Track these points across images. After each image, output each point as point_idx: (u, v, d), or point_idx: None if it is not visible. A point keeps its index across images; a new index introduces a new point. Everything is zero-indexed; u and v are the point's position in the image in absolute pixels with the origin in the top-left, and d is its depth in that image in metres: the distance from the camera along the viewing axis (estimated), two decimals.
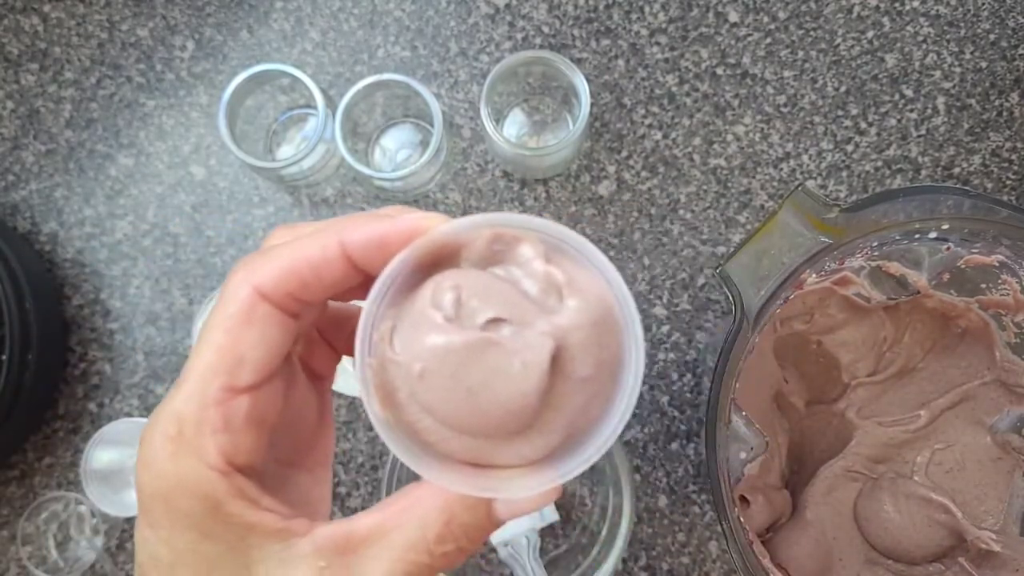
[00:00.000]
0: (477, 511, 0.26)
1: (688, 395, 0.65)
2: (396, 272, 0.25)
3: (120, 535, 0.65)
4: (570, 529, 0.64)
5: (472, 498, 0.25)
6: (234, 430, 0.25)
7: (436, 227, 0.25)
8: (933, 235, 0.48)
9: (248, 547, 0.25)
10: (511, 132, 0.67)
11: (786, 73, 0.66)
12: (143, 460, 0.25)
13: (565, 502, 0.65)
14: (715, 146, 0.66)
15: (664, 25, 0.67)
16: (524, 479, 0.25)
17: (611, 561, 0.58)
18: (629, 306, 0.26)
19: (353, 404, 0.66)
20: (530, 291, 0.26)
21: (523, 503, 0.26)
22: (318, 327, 0.31)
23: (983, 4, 0.67)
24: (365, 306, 0.25)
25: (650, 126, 0.66)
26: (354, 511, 0.65)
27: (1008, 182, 0.66)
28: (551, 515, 0.63)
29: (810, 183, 0.66)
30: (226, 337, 0.25)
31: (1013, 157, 0.66)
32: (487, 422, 0.25)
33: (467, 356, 0.24)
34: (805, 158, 0.66)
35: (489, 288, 0.25)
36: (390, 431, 0.25)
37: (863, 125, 0.66)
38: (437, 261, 0.26)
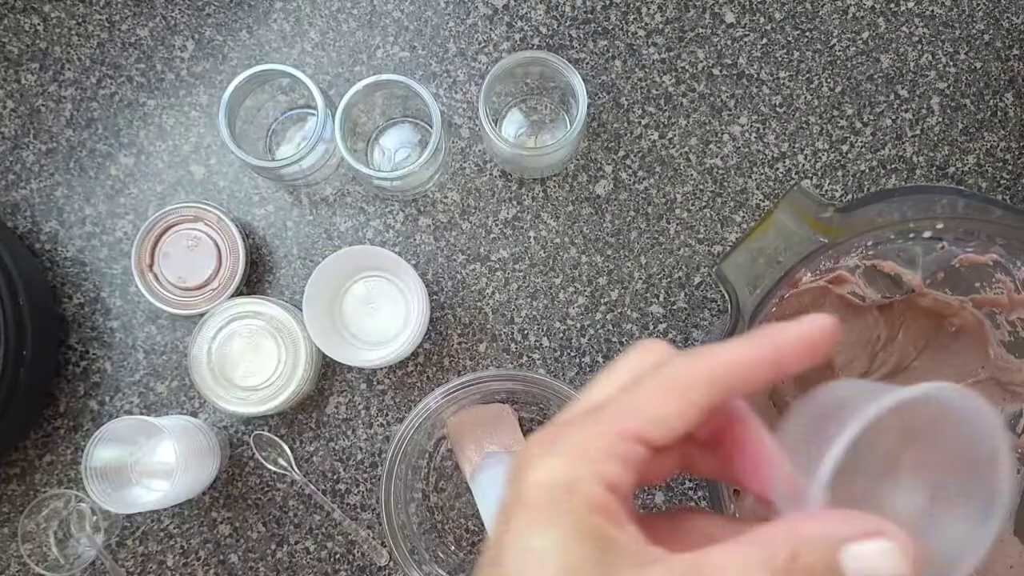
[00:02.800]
0: (824, 554, 0.26)
1: None
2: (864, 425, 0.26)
3: (120, 532, 0.65)
4: None
5: (822, 540, 0.26)
6: (628, 467, 0.26)
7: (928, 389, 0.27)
8: (928, 234, 0.48)
9: (609, 561, 0.26)
10: (509, 132, 0.67)
11: (782, 73, 0.67)
12: (545, 453, 0.26)
13: None
14: (711, 146, 0.66)
15: (661, 26, 0.67)
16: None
17: None
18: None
19: (352, 402, 0.66)
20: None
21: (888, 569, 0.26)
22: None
23: (978, 5, 0.67)
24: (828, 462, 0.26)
25: (647, 126, 0.67)
26: (353, 507, 0.65)
27: (1002, 181, 0.67)
28: None
29: (806, 183, 0.66)
30: (657, 395, 0.27)
31: (1007, 157, 0.67)
32: None
33: None
34: (801, 158, 0.66)
35: None
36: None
37: (858, 125, 0.67)
38: None
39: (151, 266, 0.63)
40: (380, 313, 0.65)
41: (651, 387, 0.27)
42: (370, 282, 0.65)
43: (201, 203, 0.64)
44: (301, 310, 0.65)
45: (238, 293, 0.65)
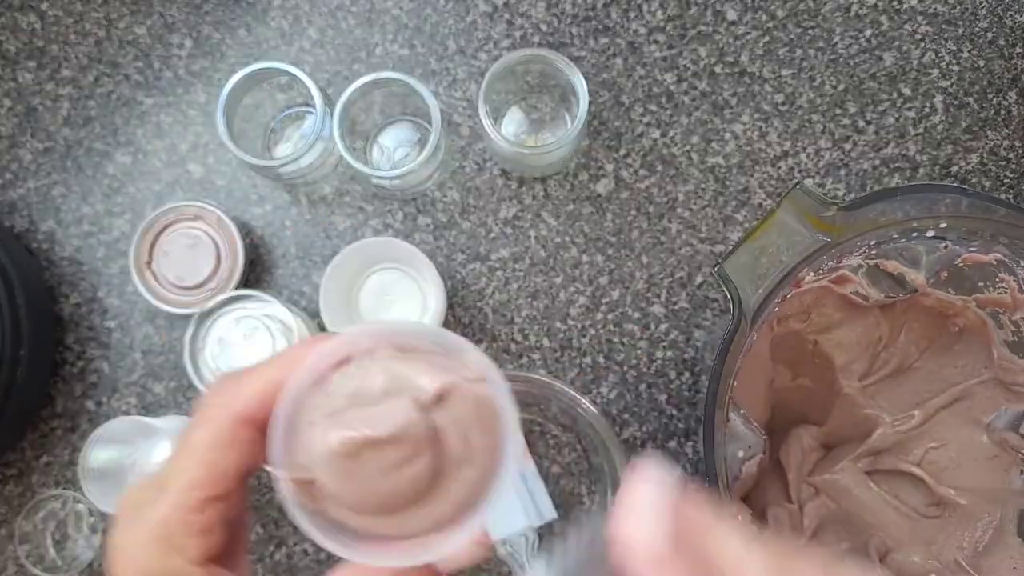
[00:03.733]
0: None
1: (686, 393, 0.66)
2: (301, 380, 0.29)
3: None
4: (569, 528, 0.64)
5: (412, 571, 0.30)
6: (213, 531, 0.29)
7: (332, 341, 0.30)
8: (931, 233, 0.48)
9: None
10: (509, 130, 0.67)
11: (784, 71, 0.66)
12: (126, 558, 0.29)
13: (563, 501, 0.65)
14: (713, 144, 0.66)
15: (662, 23, 0.67)
16: (445, 538, 0.29)
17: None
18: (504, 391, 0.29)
19: None
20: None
21: (456, 556, 0.30)
22: None
23: (981, 3, 0.67)
24: (273, 416, 0.29)
25: (648, 124, 0.66)
26: None
27: (1006, 180, 0.66)
28: (549, 514, 0.64)
29: (808, 181, 0.66)
30: (210, 456, 0.29)
31: (1011, 155, 0.66)
32: (392, 502, 0.29)
33: (352, 459, 0.28)
34: (803, 156, 0.66)
35: (364, 385, 0.29)
36: (312, 524, 0.29)
37: (861, 123, 0.66)
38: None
39: (149, 263, 0.63)
40: (396, 305, 0.65)
41: (200, 452, 0.29)
42: (385, 274, 0.65)
43: (201, 202, 0.63)
44: (303, 309, 0.65)
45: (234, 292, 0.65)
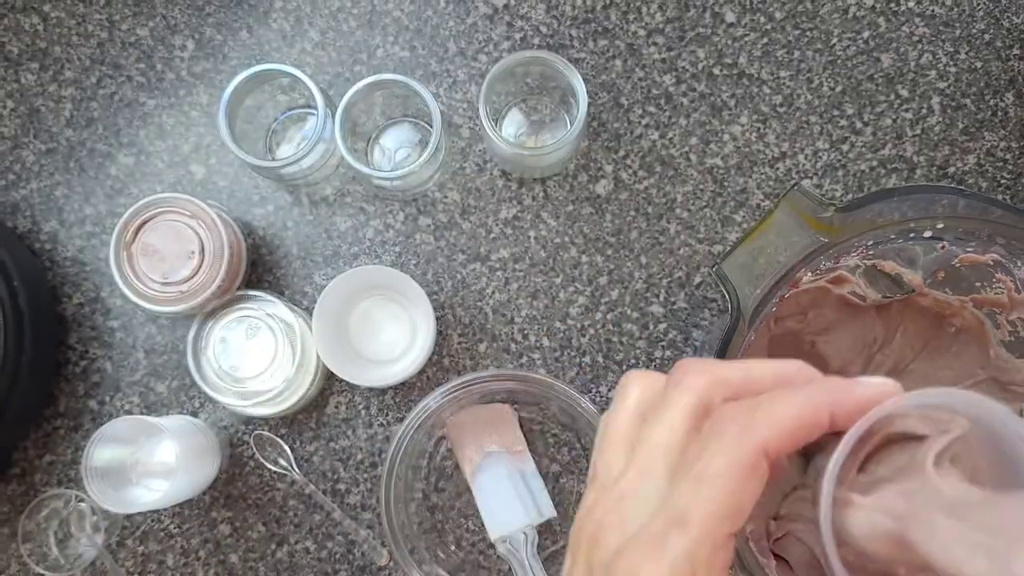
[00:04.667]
0: None
1: None
2: (855, 439, 0.27)
3: (120, 532, 0.65)
4: (567, 526, 0.65)
5: None
6: (726, 569, 0.27)
7: (897, 401, 0.27)
8: (928, 234, 0.48)
9: None
10: (509, 132, 0.67)
11: (782, 73, 0.67)
12: None
13: (562, 499, 0.65)
14: (712, 145, 0.66)
15: (661, 25, 0.67)
16: None
17: None
18: None
19: (352, 402, 0.66)
20: None
21: None
22: None
23: (978, 4, 0.67)
24: (830, 466, 0.27)
25: (647, 126, 0.67)
26: (353, 507, 0.65)
27: (1003, 181, 0.67)
28: (549, 512, 0.64)
29: (806, 182, 0.66)
30: (733, 486, 0.27)
31: (1007, 156, 0.66)
32: None
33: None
34: (801, 157, 0.66)
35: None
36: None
37: (859, 125, 0.67)
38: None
39: (130, 244, 0.60)
40: (385, 333, 0.65)
41: (725, 482, 0.27)
42: (374, 301, 0.65)
43: (187, 197, 0.61)
44: (305, 309, 0.65)
45: (237, 293, 0.65)
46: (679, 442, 0.29)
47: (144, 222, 0.60)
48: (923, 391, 0.27)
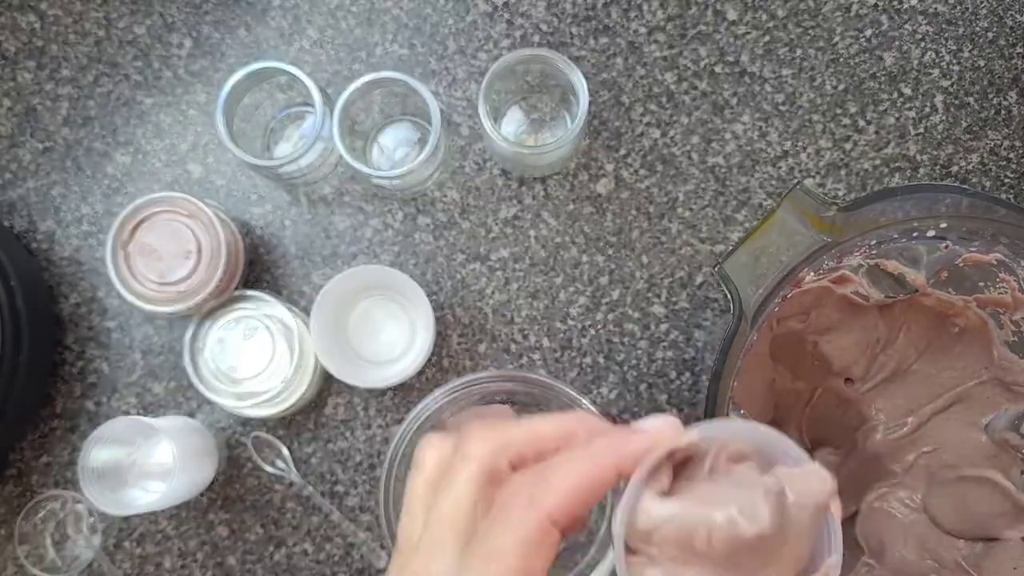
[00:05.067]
0: None
1: (686, 393, 0.65)
2: (641, 481, 0.30)
3: (117, 534, 0.65)
4: None
5: None
6: None
7: (677, 440, 0.30)
8: (931, 233, 0.48)
9: None
10: (509, 130, 0.67)
11: (784, 71, 0.66)
12: None
13: None
14: (713, 144, 0.66)
15: (662, 23, 0.66)
16: None
17: (609, 559, 0.58)
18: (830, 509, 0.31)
19: (350, 403, 0.66)
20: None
21: None
22: None
23: (981, 2, 0.67)
24: (623, 502, 0.30)
25: (648, 124, 0.66)
26: (352, 509, 0.65)
27: (1006, 180, 0.66)
28: None
29: (808, 181, 0.66)
30: (523, 562, 0.28)
31: (1011, 155, 0.66)
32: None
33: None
34: (803, 156, 0.66)
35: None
36: None
37: (861, 123, 0.66)
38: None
39: (127, 243, 0.59)
40: (385, 333, 0.65)
41: (512, 560, 0.28)
42: (374, 302, 0.65)
43: (184, 196, 0.60)
44: (303, 309, 0.65)
45: (234, 293, 0.65)
46: (466, 515, 0.29)
47: (141, 221, 0.59)
48: (693, 428, 0.31)
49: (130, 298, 0.59)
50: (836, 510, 0.31)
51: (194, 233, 0.60)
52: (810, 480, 0.31)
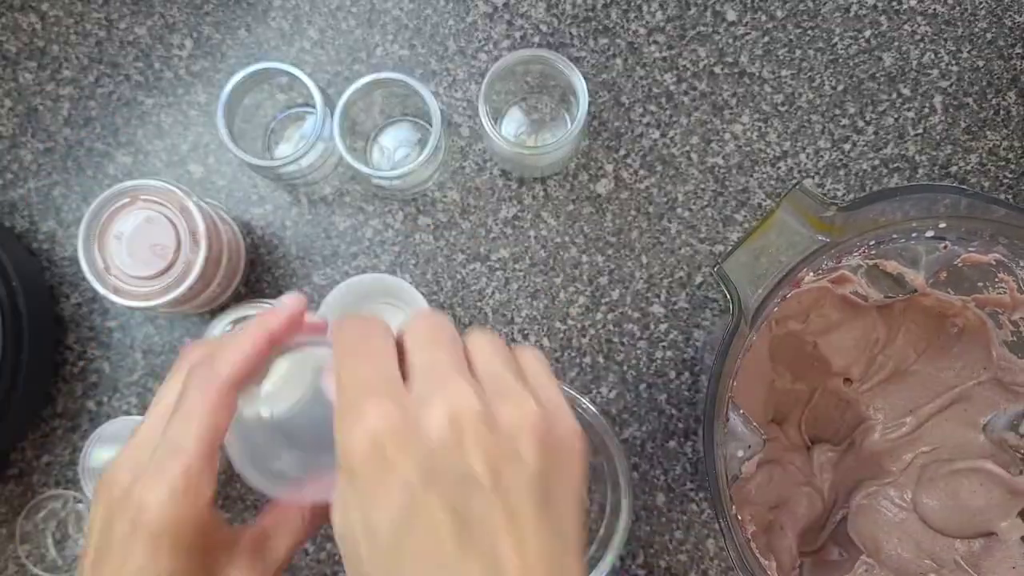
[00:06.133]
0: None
1: (686, 393, 0.66)
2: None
3: None
4: None
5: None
6: (215, 481, 0.36)
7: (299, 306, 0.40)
8: (930, 234, 0.48)
9: (215, 560, 0.37)
10: (509, 130, 0.67)
11: (784, 72, 0.66)
12: (152, 503, 0.34)
13: None
14: (713, 145, 0.66)
15: (662, 24, 0.67)
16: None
17: (609, 559, 0.58)
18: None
19: None
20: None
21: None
22: None
23: (980, 3, 0.67)
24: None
25: (648, 125, 0.66)
26: None
27: (1005, 181, 0.66)
28: None
29: (808, 182, 0.66)
30: (213, 417, 0.36)
31: (1010, 156, 0.66)
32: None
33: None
34: (803, 157, 0.66)
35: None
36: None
37: (860, 124, 0.66)
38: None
39: (101, 234, 0.57)
40: None
41: (207, 416, 0.36)
42: (375, 308, 0.65)
43: (156, 183, 0.58)
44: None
45: (237, 293, 0.65)
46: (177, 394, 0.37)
47: (114, 211, 0.57)
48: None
49: (103, 291, 0.56)
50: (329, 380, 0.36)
51: (171, 222, 0.57)
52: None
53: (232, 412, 0.36)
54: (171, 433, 0.35)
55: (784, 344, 0.60)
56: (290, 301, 0.39)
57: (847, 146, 0.66)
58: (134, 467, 0.36)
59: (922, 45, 0.67)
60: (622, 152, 0.66)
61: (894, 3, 0.67)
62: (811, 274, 0.50)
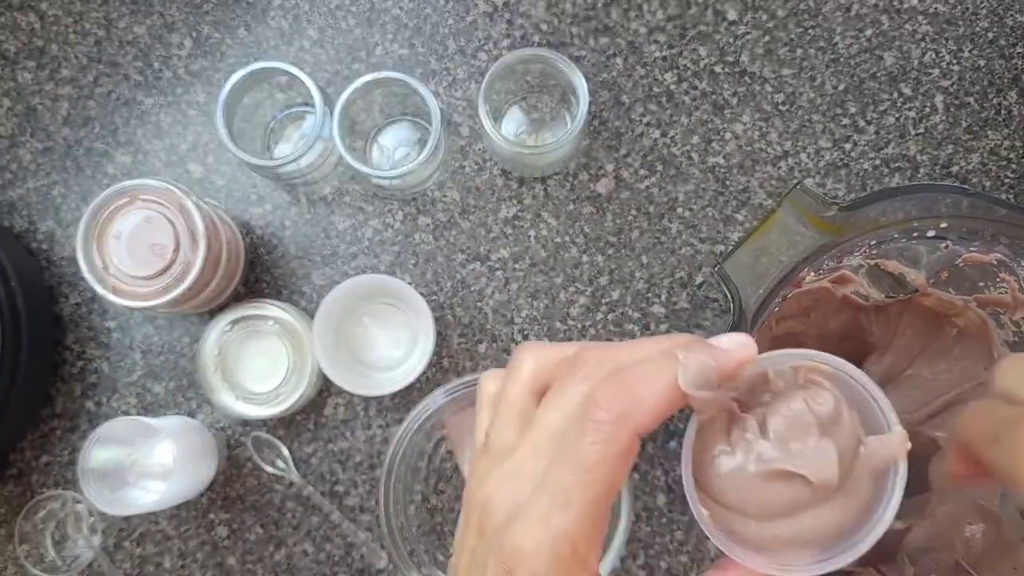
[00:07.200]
0: None
1: None
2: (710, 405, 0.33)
3: (117, 534, 0.65)
4: None
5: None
6: (602, 534, 0.31)
7: (746, 367, 0.32)
8: (931, 233, 0.48)
9: None
10: (509, 130, 0.67)
11: (784, 71, 0.66)
12: (532, 560, 0.30)
13: None
14: (713, 144, 0.66)
15: (663, 23, 0.66)
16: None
17: (609, 559, 0.58)
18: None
19: (350, 403, 0.66)
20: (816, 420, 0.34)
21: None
22: None
23: (981, 2, 0.67)
24: (688, 432, 0.33)
25: (648, 124, 0.66)
26: (352, 509, 0.65)
27: (1006, 180, 0.66)
28: None
29: (808, 181, 0.66)
30: (611, 472, 0.30)
31: (1011, 155, 0.66)
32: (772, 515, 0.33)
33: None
34: (803, 156, 0.66)
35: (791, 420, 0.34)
36: (709, 525, 0.33)
37: (861, 123, 0.66)
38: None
39: (100, 234, 0.57)
40: (385, 341, 0.65)
41: (604, 469, 0.30)
42: (376, 309, 0.65)
43: (156, 182, 0.57)
44: (303, 309, 0.65)
45: (236, 293, 0.65)
46: (571, 430, 0.31)
47: (114, 211, 0.56)
48: (764, 357, 0.34)
49: (101, 291, 0.56)
50: (903, 461, 0.33)
51: (170, 222, 0.56)
52: (892, 443, 0.34)
53: (632, 460, 0.31)
54: (560, 478, 0.30)
55: (784, 344, 0.59)
56: (742, 343, 0.33)
57: (848, 146, 0.66)
58: (510, 502, 0.31)
59: (923, 44, 0.66)
60: (622, 152, 0.66)
61: (895, 2, 0.67)
62: (812, 274, 0.50)
